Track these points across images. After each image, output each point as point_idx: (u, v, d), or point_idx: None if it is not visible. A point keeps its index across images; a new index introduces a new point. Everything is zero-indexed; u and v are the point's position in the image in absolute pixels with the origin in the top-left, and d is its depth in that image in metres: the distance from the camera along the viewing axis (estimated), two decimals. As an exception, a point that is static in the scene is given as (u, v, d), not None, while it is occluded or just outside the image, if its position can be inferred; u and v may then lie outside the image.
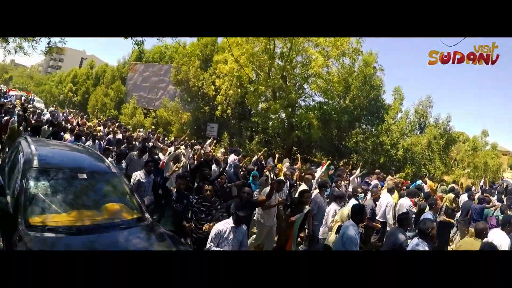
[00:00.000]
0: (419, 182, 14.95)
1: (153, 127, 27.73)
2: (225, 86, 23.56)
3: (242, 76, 22.26)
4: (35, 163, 5.19)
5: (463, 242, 7.09)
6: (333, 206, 8.32)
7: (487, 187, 15.75)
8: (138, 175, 8.06)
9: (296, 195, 8.90)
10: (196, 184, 9.78)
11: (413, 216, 9.60)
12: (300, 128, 21.91)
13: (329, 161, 14.39)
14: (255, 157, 13.90)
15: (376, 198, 9.47)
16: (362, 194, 10.43)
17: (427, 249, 5.40)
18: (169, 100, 30.84)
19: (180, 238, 5.76)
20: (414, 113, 23.71)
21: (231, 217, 5.83)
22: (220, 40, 27.95)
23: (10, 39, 10.21)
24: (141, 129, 22.34)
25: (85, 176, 5.41)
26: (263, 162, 14.56)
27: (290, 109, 21.65)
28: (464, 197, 12.22)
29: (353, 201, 8.65)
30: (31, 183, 4.82)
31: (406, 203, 9.68)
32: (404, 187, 13.44)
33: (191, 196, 7.38)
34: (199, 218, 6.63)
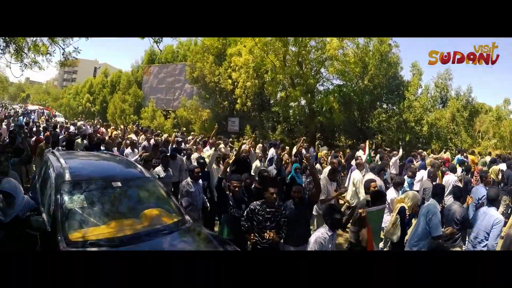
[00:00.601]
0: (460, 157, 14.80)
1: (175, 130, 27.69)
2: (242, 78, 23.41)
3: (261, 66, 22.26)
4: (67, 176, 5.10)
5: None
6: (391, 194, 7.83)
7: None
8: (185, 185, 7.33)
9: (362, 184, 8.28)
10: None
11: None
12: (321, 114, 21.75)
13: (369, 143, 13.98)
14: (294, 148, 13.39)
15: (434, 178, 9.33)
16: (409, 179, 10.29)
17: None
18: (187, 99, 30.78)
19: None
20: (434, 87, 23.35)
21: (325, 223, 5.03)
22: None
23: (24, 55, 10.33)
24: (178, 132, 22.14)
25: (119, 184, 5.37)
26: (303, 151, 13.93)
27: (309, 95, 21.35)
28: (502, 167, 12.01)
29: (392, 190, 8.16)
30: (66, 198, 4.75)
31: (451, 179, 9.54)
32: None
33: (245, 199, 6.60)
34: (264, 227, 5.65)
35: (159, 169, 8.28)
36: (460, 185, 9.58)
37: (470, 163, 13.56)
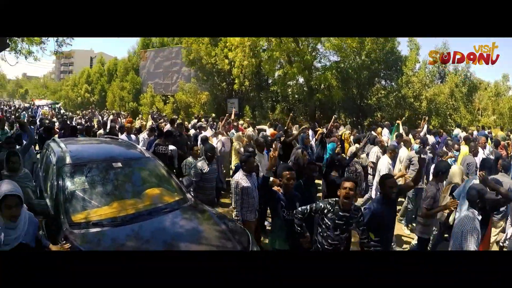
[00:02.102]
0: (485, 132, 14.89)
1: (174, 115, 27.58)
2: (238, 58, 23.22)
3: (256, 43, 22.33)
4: (68, 160, 5.16)
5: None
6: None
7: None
8: (239, 180, 5.75)
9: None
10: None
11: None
12: (320, 91, 21.68)
13: (398, 121, 13.57)
14: (324, 128, 12.72)
15: (475, 153, 9.40)
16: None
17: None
18: (185, 83, 30.71)
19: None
20: None
21: (470, 207, 4.33)
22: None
23: (19, 47, 10.29)
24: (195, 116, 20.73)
25: (120, 164, 5.42)
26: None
27: (307, 72, 21.25)
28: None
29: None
30: (68, 181, 4.81)
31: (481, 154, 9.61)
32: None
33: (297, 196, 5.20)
34: (331, 237, 4.33)
35: (202, 164, 7.00)
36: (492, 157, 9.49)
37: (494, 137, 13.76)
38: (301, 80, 22.81)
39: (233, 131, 12.78)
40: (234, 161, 10.19)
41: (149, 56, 38.29)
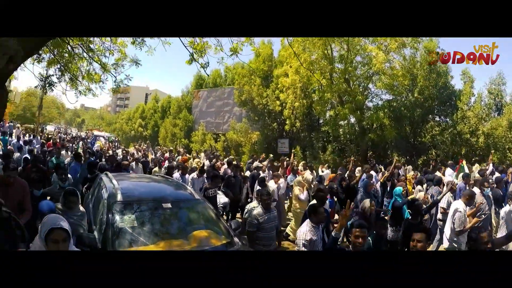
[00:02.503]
0: None
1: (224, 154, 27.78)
2: (290, 99, 23.33)
3: (308, 85, 22.44)
4: (119, 197, 5.32)
5: None
6: None
7: None
8: (307, 231, 5.27)
9: None
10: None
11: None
12: (372, 131, 21.25)
13: (464, 161, 13.25)
14: (386, 171, 12.48)
15: None
16: None
17: None
18: (236, 122, 31.11)
19: None
20: (488, 94, 21.82)
21: None
22: (276, 54, 28.01)
23: (78, 83, 10.92)
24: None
25: (169, 205, 5.48)
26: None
27: (359, 112, 20.97)
28: None
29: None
30: (117, 217, 4.93)
31: None
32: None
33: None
34: None
35: (258, 211, 6.35)
36: None
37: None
38: (352, 120, 22.49)
39: (290, 175, 12.62)
40: (295, 207, 10.10)
41: (202, 96, 39.15)
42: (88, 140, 32.03)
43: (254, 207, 7.06)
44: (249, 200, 10.61)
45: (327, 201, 8.09)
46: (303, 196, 9.77)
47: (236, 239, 5.40)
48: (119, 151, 17.94)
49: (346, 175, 11.00)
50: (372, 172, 12.91)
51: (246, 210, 7.72)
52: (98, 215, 5.53)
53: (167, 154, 18.75)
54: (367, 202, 7.33)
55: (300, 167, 14.81)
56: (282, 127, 25.92)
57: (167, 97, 51.14)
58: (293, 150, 19.97)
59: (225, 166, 13.92)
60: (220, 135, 34.72)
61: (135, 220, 5.01)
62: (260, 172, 12.63)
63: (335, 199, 9.70)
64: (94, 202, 6.34)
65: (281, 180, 11.04)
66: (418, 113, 21.36)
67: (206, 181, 10.36)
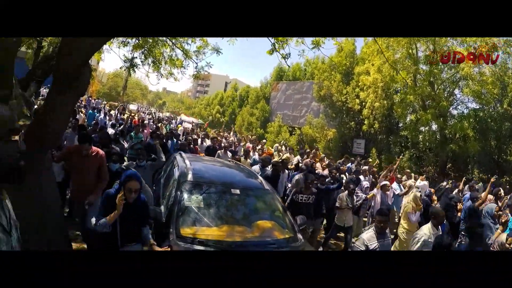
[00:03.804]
0: None
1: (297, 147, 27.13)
2: (370, 98, 22.92)
3: (390, 85, 21.80)
4: (190, 177, 5.38)
5: None
6: None
7: None
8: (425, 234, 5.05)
9: None
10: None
11: None
12: (454, 141, 20.02)
13: None
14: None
15: None
16: None
17: None
18: (313, 117, 30.92)
19: None
20: None
21: None
22: (359, 51, 27.64)
23: (161, 67, 11.47)
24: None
25: (238, 191, 5.45)
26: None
27: (442, 119, 19.90)
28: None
29: None
30: (185, 196, 4.98)
31: None
32: None
33: None
34: None
35: (370, 235, 5.26)
36: None
37: None
38: (434, 127, 21.44)
39: (394, 185, 10.61)
40: (402, 227, 8.00)
41: (280, 88, 39.58)
42: (173, 121, 32.66)
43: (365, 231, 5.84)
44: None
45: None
46: (415, 217, 7.88)
47: (299, 235, 5.26)
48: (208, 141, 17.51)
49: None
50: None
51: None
52: (167, 191, 5.66)
53: (248, 144, 18.01)
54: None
55: (404, 176, 13.34)
56: (359, 126, 25.36)
57: (246, 87, 52.16)
58: (400, 159, 16.72)
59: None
60: (295, 128, 34.73)
61: (202, 201, 5.05)
62: (361, 177, 11.14)
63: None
64: (165, 179, 6.50)
65: (391, 191, 9.93)
66: (506, 127, 19.62)
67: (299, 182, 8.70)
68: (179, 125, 28.63)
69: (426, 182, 12.81)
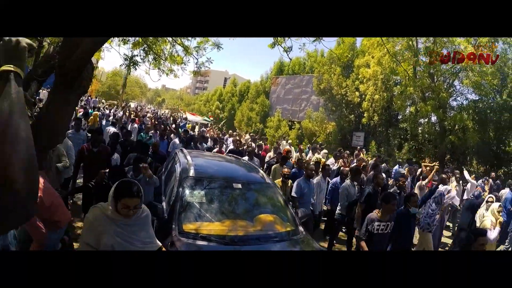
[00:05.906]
0: None
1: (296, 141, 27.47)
2: (370, 91, 22.92)
3: (390, 77, 21.84)
4: (191, 172, 5.40)
5: None
6: None
7: None
8: None
9: None
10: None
11: None
12: (453, 132, 19.99)
13: None
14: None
15: None
16: None
17: None
18: (313, 111, 30.83)
19: None
20: None
21: None
22: (359, 43, 27.56)
23: (161, 63, 11.59)
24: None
25: (239, 186, 5.51)
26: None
27: (441, 111, 19.80)
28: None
29: None
30: (187, 191, 5.03)
31: None
32: None
33: None
34: None
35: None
36: None
37: None
38: (433, 118, 21.37)
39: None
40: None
41: (280, 82, 39.50)
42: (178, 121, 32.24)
43: None
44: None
45: None
46: (493, 234, 6.50)
47: (300, 228, 5.33)
48: (230, 140, 16.64)
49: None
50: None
51: None
52: (168, 187, 5.72)
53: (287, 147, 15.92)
54: None
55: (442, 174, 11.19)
56: (359, 119, 25.31)
57: (245, 82, 51.98)
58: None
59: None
60: (295, 122, 34.74)
61: (204, 196, 5.12)
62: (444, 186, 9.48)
63: None
64: (167, 175, 6.57)
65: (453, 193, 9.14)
66: (505, 118, 19.22)
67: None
68: (189, 125, 27.91)
69: (474, 181, 12.12)
